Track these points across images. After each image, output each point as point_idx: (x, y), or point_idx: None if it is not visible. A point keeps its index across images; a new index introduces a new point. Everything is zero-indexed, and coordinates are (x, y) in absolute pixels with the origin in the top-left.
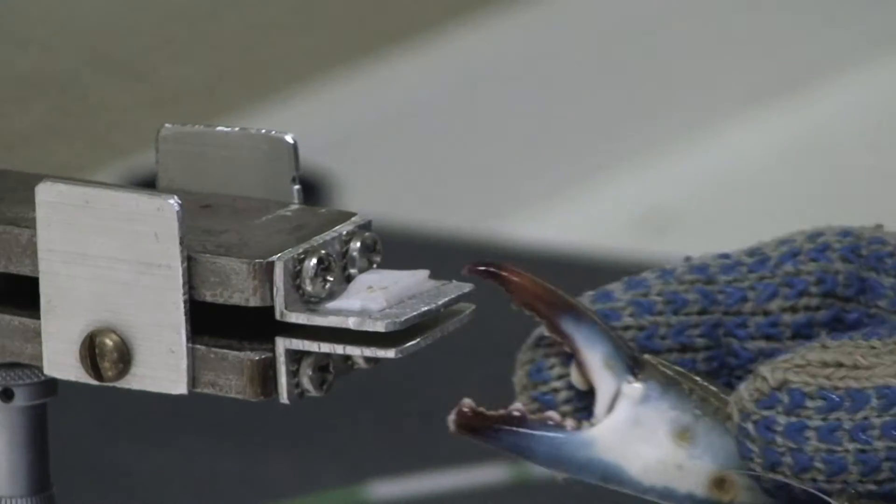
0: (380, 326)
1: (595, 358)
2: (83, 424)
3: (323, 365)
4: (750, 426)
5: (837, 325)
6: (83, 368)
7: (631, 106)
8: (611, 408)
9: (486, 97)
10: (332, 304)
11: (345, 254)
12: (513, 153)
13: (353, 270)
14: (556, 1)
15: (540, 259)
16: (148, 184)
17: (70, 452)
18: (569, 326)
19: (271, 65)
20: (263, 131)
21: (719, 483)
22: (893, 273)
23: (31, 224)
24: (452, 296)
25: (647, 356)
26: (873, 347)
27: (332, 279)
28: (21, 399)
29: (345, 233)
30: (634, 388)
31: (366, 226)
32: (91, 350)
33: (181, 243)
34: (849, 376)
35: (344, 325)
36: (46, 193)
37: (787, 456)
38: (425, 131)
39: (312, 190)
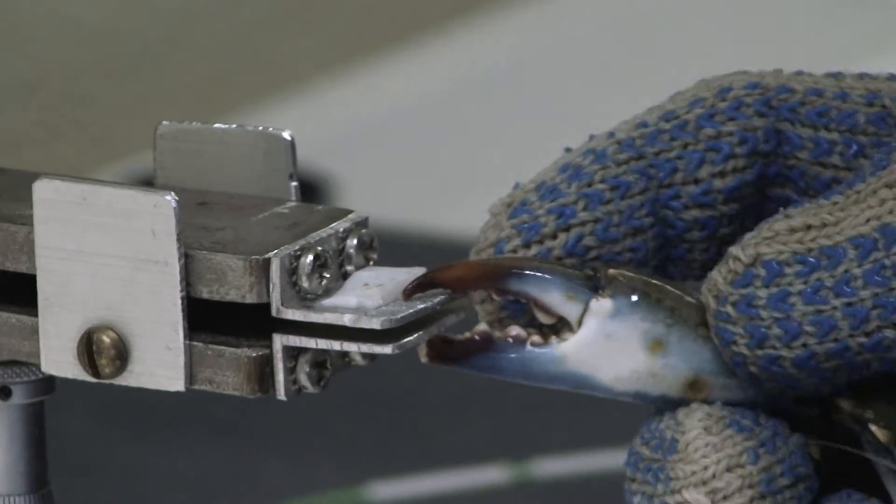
0: (375, 324)
1: (553, 297)
2: (82, 422)
3: (320, 361)
4: (729, 308)
5: (762, 182)
6: (80, 366)
7: (631, 107)
8: (580, 324)
9: (486, 97)
10: (328, 301)
11: (341, 251)
12: (512, 153)
13: (349, 267)
14: (553, 2)
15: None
16: (147, 183)
17: (68, 450)
18: (517, 285)
19: (270, 65)
20: (260, 128)
21: (693, 384)
22: (809, 123)
23: (28, 221)
24: (450, 293)
25: (612, 270)
26: (836, 203)
27: (328, 276)
28: (19, 397)
29: (341, 230)
30: (602, 303)
31: (362, 223)
32: (88, 347)
33: (178, 240)
34: (820, 236)
35: (340, 322)
36: (43, 190)
37: (774, 327)
38: (424, 131)
39: (311, 190)
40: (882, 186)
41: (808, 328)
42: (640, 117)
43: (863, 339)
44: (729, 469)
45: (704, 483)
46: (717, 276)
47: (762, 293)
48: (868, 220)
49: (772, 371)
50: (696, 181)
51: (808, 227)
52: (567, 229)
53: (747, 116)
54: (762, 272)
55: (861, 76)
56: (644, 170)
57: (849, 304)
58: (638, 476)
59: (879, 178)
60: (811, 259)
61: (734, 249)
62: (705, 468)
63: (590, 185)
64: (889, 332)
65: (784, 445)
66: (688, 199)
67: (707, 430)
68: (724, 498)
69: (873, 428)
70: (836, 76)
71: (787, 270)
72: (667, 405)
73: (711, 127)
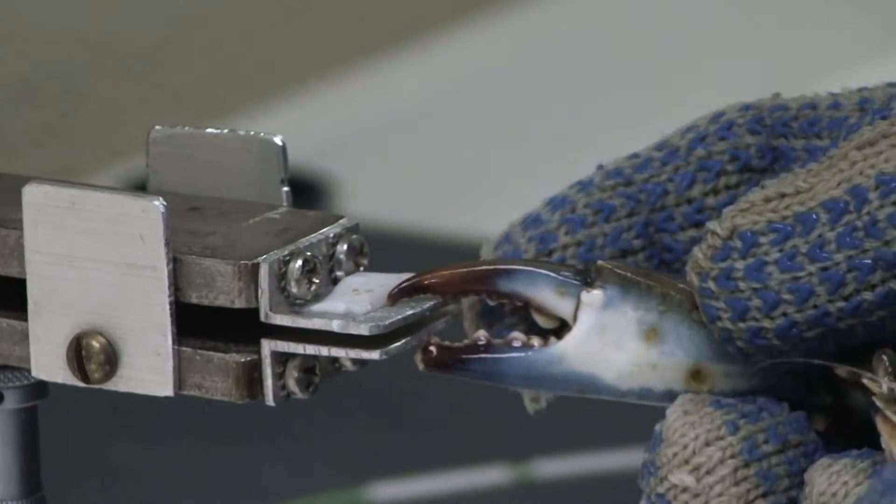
0: (364, 329)
1: (545, 294)
2: (79, 424)
3: (309, 367)
4: (710, 284)
5: None
6: (70, 371)
7: (630, 108)
8: (575, 320)
9: (485, 99)
10: (317, 307)
11: (331, 256)
12: (511, 155)
13: (339, 273)
14: (554, 3)
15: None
16: (142, 187)
17: (64, 451)
18: (506, 285)
19: (270, 67)
20: (253, 133)
21: (695, 374)
22: (801, 134)
23: (18, 225)
24: (438, 299)
25: (601, 262)
26: (810, 171)
27: (317, 281)
28: (11, 402)
29: (332, 235)
30: (593, 295)
31: (353, 228)
32: (78, 352)
33: (166, 245)
34: (794, 203)
35: (328, 328)
36: (33, 195)
37: (754, 298)
38: (423, 133)
39: (310, 192)
40: (852, 149)
41: (787, 296)
42: (637, 150)
43: (841, 304)
44: (708, 443)
45: (686, 462)
46: (698, 252)
47: (740, 265)
48: (839, 184)
49: (757, 344)
50: (689, 201)
51: (783, 196)
52: (549, 254)
53: (738, 135)
54: (738, 243)
55: (860, 89)
56: (633, 194)
57: (824, 269)
58: (642, 482)
59: (850, 142)
60: (785, 226)
61: (711, 224)
62: (685, 447)
63: (573, 210)
64: (867, 295)
65: (770, 417)
66: (682, 219)
67: (686, 412)
68: (708, 472)
69: (866, 381)
70: (835, 93)
71: (762, 240)
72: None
73: (702, 148)
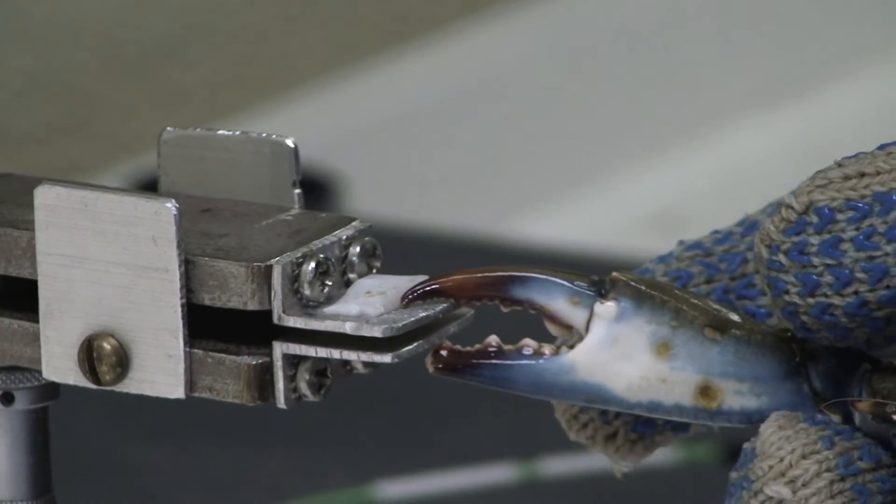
0: (377, 332)
1: (558, 303)
2: (85, 421)
3: (321, 369)
4: (781, 257)
5: None
6: (81, 372)
7: (637, 107)
8: (587, 330)
9: (493, 97)
10: (330, 309)
11: (344, 258)
12: (519, 154)
13: (352, 275)
14: (561, 2)
15: (546, 259)
16: (154, 184)
17: (74, 452)
18: (520, 292)
19: (279, 64)
20: (264, 135)
21: (704, 391)
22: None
23: (30, 226)
24: (451, 302)
25: (615, 273)
26: (890, 153)
27: (330, 283)
28: (21, 403)
29: (344, 237)
30: (606, 307)
31: (366, 231)
32: (89, 354)
33: (179, 247)
34: (873, 183)
35: (341, 330)
36: (45, 196)
37: (826, 274)
38: (432, 131)
39: (320, 190)
40: None
41: (860, 275)
42: (716, 229)
43: None
44: (804, 456)
45: (783, 474)
46: (770, 225)
47: (814, 240)
48: None
49: (824, 320)
50: None
51: (862, 175)
52: None
53: None
54: (814, 219)
55: None
56: (712, 264)
57: None
58: (731, 500)
59: None
60: (864, 205)
61: (787, 197)
62: (781, 459)
63: None
64: None
65: (861, 437)
66: (763, 285)
67: (781, 427)
68: (804, 485)
69: None
70: None
71: (840, 217)
72: (683, 416)
73: None
